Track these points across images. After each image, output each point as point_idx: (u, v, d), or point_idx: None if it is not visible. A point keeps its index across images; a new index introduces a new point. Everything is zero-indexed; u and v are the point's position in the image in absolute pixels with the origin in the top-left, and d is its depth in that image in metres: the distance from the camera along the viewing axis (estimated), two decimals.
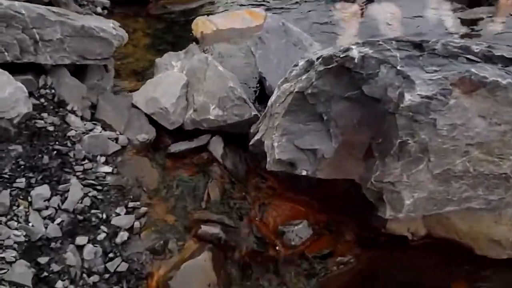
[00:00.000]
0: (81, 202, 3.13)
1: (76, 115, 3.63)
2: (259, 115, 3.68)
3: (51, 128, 3.43)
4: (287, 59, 4.17)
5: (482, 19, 5.22)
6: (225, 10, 5.69)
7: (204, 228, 3.26)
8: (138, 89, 4.03)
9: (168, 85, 3.89)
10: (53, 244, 2.90)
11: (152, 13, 5.62)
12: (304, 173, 3.20)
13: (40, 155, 3.26)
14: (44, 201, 3.04)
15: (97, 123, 3.69)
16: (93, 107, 3.82)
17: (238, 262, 3.25)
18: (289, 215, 3.50)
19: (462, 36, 4.90)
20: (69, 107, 3.64)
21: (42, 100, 3.60)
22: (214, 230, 3.26)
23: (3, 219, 2.88)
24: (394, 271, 3.28)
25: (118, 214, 3.19)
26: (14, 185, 3.05)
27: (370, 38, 3.16)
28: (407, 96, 2.79)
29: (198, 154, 3.74)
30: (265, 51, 4.36)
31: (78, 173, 3.28)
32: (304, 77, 3.10)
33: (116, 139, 3.61)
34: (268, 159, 3.29)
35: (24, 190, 3.06)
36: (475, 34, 4.98)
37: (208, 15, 5.39)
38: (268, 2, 5.81)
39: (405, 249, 3.33)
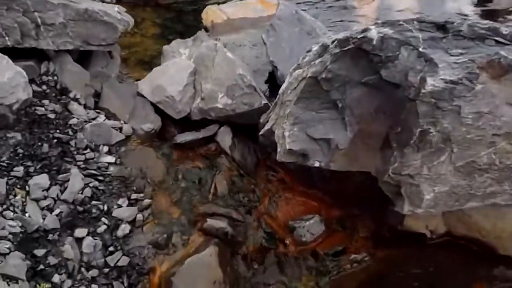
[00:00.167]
0: (82, 193, 3.06)
1: (79, 103, 3.56)
2: (270, 105, 3.59)
3: (52, 116, 3.35)
4: (300, 48, 4.03)
5: (505, 10, 5.13)
6: None
7: (210, 222, 3.21)
8: None
9: (175, 72, 3.81)
10: (50, 236, 2.84)
11: (161, 2, 5.65)
12: (316, 164, 3.13)
13: (39, 143, 3.18)
14: (43, 191, 2.97)
15: (101, 112, 3.62)
16: (97, 95, 3.75)
17: (246, 258, 3.21)
18: (300, 209, 3.46)
19: None
20: (71, 95, 3.57)
21: (44, 87, 3.53)
22: (221, 224, 3.21)
23: None
24: (411, 271, 3.22)
25: (120, 206, 3.12)
26: (12, 173, 2.98)
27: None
28: (430, 81, 2.69)
29: (206, 145, 3.68)
30: (277, 38, 4.27)
31: (79, 163, 3.21)
32: (318, 61, 3.00)
33: (120, 129, 3.54)
34: (278, 150, 3.22)
35: (21, 179, 2.98)
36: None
37: (218, 4, 5.39)
38: None
39: (423, 248, 3.27)
